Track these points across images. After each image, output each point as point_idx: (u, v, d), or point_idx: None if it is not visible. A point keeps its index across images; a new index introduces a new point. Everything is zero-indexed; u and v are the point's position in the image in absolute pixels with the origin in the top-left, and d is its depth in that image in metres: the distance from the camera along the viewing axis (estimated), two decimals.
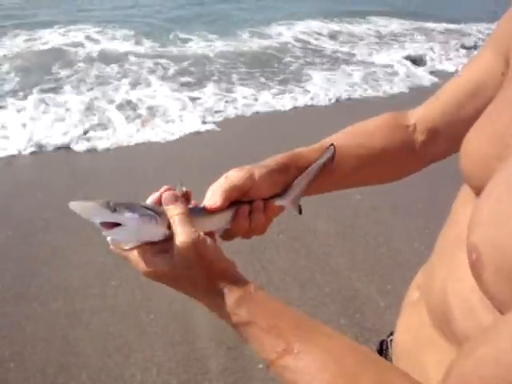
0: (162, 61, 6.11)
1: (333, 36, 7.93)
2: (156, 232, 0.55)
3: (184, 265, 0.54)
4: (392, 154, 0.76)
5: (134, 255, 0.55)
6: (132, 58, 6.20)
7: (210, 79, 5.56)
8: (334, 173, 0.71)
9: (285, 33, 7.96)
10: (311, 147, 0.71)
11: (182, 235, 0.54)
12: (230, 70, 5.91)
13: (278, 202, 0.67)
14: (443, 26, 8.81)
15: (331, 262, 2.50)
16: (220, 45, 7.04)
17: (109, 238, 0.54)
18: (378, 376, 0.45)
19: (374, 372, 0.46)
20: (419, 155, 0.78)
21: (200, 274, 0.55)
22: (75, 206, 0.50)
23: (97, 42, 7.03)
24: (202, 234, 0.55)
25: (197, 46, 7.08)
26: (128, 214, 0.52)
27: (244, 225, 0.63)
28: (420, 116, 0.77)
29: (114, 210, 0.51)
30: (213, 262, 0.55)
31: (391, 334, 0.76)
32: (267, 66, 6.13)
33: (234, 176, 0.62)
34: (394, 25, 8.85)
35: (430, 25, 8.84)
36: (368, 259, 2.53)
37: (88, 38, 7.17)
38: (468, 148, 0.57)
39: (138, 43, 7.07)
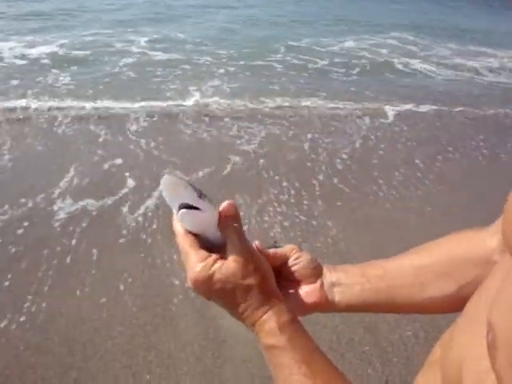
0: None
1: None
2: (215, 225, 0.57)
3: (243, 273, 0.54)
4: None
5: (197, 255, 0.55)
6: None
7: None
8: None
9: None
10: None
11: (243, 245, 0.55)
12: None
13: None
14: None
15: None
16: None
17: (181, 215, 0.55)
18: None
19: None
20: None
21: (255, 285, 0.55)
22: (168, 180, 0.52)
23: None
24: (257, 251, 0.57)
25: None
26: (209, 204, 0.55)
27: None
28: (496, 228, 0.67)
29: (200, 196, 0.54)
30: (268, 276, 0.57)
31: None
32: None
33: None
34: None
35: None
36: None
37: None
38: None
39: None
